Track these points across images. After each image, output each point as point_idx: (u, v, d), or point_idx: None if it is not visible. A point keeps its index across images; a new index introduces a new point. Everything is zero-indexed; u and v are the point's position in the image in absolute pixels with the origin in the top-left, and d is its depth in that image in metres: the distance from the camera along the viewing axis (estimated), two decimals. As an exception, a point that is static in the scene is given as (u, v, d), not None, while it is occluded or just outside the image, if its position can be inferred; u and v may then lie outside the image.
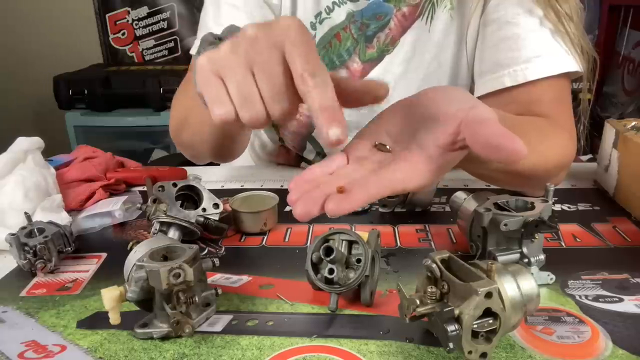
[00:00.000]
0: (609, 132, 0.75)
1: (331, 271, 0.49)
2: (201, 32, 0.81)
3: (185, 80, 0.81)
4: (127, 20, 2.62)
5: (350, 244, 0.51)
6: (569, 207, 0.73)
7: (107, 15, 2.61)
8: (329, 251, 0.48)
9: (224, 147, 0.75)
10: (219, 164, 0.95)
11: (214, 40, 0.45)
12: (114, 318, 0.46)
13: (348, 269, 0.50)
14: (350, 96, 0.43)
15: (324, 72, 0.38)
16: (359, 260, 0.50)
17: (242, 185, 0.84)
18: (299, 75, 0.37)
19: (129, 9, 2.60)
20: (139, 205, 0.69)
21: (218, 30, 0.78)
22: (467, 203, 0.59)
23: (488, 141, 0.37)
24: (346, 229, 0.52)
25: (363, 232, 0.52)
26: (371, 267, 0.50)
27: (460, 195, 0.61)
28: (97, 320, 0.51)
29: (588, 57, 0.70)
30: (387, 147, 0.44)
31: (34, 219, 0.63)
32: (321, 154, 0.91)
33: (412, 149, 0.42)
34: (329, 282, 0.49)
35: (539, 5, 0.69)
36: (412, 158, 0.41)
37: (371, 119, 0.48)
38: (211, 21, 0.79)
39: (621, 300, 0.51)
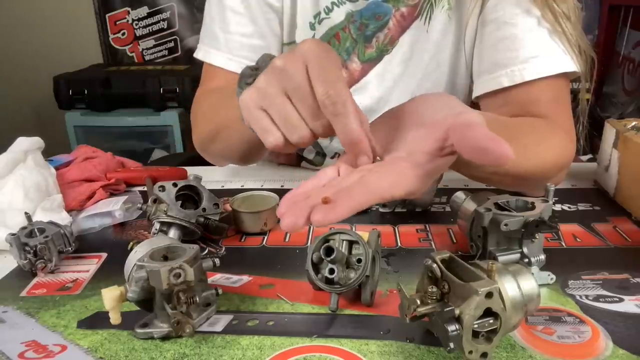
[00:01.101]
0: (609, 132, 0.75)
1: (332, 271, 0.49)
2: (206, 37, 0.82)
3: (205, 91, 0.82)
4: (127, 20, 2.62)
5: (351, 244, 0.51)
6: (569, 207, 0.73)
7: (107, 15, 2.61)
8: (329, 251, 0.48)
9: (253, 155, 0.77)
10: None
11: (252, 72, 0.48)
12: (115, 318, 0.46)
13: (348, 269, 0.50)
14: None
15: (343, 95, 0.40)
16: (359, 261, 0.50)
17: (242, 185, 0.84)
18: (320, 102, 0.40)
19: (129, 9, 2.60)
20: (139, 205, 0.68)
21: (223, 37, 0.79)
22: (468, 203, 0.59)
23: (475, 145, 0.37)
24: (347, 229, 0.52)
25: (363, 232, 0.52)
26: (372, 267, 0.50)
27: (460, 195, 0.61)
28: (97, 320, 0.51)
29: (586, 57, 0.70)
30: (377, 157, 0.44)
31: (34, 219, 0.63)
32: (321, 154, 0.91)
33: (400, 156, 0.42)
34: (329, 282, 0.49)
35: (536, 5, 0.69)
36: (399, 164, 0.41)
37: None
38: (217, 28, 0.80)
39: (621, 300, 0.51)
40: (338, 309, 0.50)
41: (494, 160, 0.36)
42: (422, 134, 0.42)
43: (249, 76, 0.48)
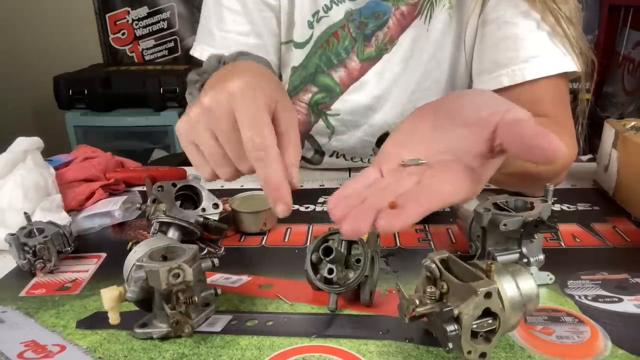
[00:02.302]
0: (609, 132, 0.75)
1: (330, 271, 0.49)
2: (203, 36, 0.82)
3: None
4: (127, 20, 2.61)
5: (350, 244, 0.51)
6: (568, 207, 0.73)
7: (107, 15, 2.61)
8: (328, 251, 0.48)
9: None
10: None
11: (199, 77, 0.51)
12: (114, 318, 0.46)
13: (347, 269, 0.50)
14: None
15: (266, 141, 0.41)
16: (358, 261, 0.50)
17: (242, 186, 0.84)
18: (245, 146, 0.42)
19: (129, 9, 2.59)
20: (138, 205, 0.69)
21: (220, 36, 0.79)
22: (467, 203, 0.59)
23: (524, 142, 0.36)
24: None
25: None
26: (370, 267, 0.50)
27: (459, 195, 0.61)
28: (96, 320, 0.51)
29: (586, 58, 0.70)
30: (420, 160, 0.42)
31: (33, 219, 0.63)
32: (319, 152, 0.91)
33: (448, 159, 0.41)
34: (328, 282, 0.49)
35: (537, 6, 0.69)
36: (452, 168, 0.39)
37: (395, 129, 0.46)
38: (215, 27, 0.80)
39: (620, 300, 0.51)
40: (337, 309, 0.50)
41: (544, 157, 0.35)
42: (467, 134, 0.40)
43: (195, 81, 0.51)
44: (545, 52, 0.69)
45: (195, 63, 0.84)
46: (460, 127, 0.41)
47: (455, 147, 0.41)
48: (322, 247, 0.49)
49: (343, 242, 0.50)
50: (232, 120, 0.42)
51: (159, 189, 0.63)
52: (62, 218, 0.67)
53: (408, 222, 0.35)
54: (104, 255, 0.64)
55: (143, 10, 2.60)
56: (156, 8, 2.59)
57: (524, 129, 0.36)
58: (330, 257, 0.48)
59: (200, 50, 0.81)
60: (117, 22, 2.62)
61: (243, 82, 0.43)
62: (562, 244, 0.63)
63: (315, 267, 0.50)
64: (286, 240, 0.66)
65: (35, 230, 0.60)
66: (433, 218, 0.70)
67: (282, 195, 0.42)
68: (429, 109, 0.45)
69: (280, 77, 0.86)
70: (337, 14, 0.79)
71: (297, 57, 0.82)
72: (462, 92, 0.45)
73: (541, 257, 0.53)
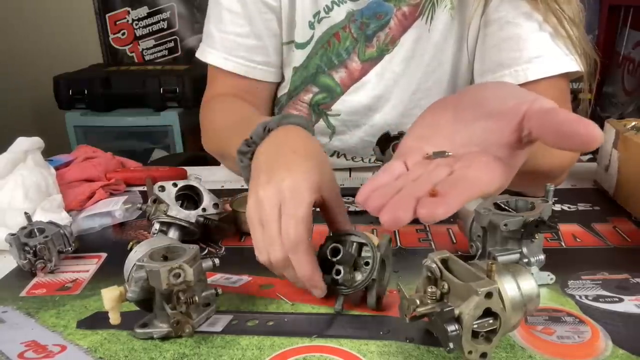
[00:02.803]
0: (609, 132, 0.75)
1: (338, 272, 0.48)
2: (205, 36, 0.83)
3: (210, 98, 0.84)
4: (127, 20, 2.61)
5: (361, 246, 0.50)
6: (569, 207, 0.73)
7: (107, 15, 2.61)
8: (336, 251, 0.48)
9: None
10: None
11: (249, 148, 0.56)
12: (114, 318, 0.46)
13: (356, 271, 0.50)
14: None
15: (298, 237, 0.47)
16: (367, 264, 0.49)
17: (242, 185, 0.84)
18: (282, 237, 0.48)
19: (129, 9, 2.59)
20: (139, 205, 0.68)
21: (220, 37, 0.80)
22: (467, 203, 0.58)
23: (559, 129, 0.35)
24: (358, 231, 0.51)
25: (372, 234, 0.52)
26: (381, 271, 0.49)
27: (460, 195, 0.61)
28: (97, 320, 0.51)
29: (589, 59, 0.70)
30: (447, 152, 0.41)
31: (34, 219, 0.63)
32: None
33: (476, 150, 0.40)
34: (335, 283, 0.49)
35: (540, 6, 0.69)
36: (483, 159, 0.39)
37: (414, 122, 0.46)
38: (214, 28, 0.81)
39: (621, 300, 0.51)
40: (343, 310, 0.50)
41: (581, 143, 0.34)
42: (493, 125, 0.40)
43: (245, 152, 0.56)
44: (548, 53, 0.69)
45: (196, 63, 0.84)
46: (483, 119, 0.41)
47: (480, 139, 0.40)
48: (330, 247, 0.48)
49: (354, 244, 0.50)
50: (277, 214, 0.48)
51: (160, 189, 0.63)
52: (62, 218, 0.67)
53: (450, 211, 0.34)
54: (104, 255, 0.64)
55: (143, 10, 2.60)
56: (156, 8, 2.59)
57: (558, 116, 0.36)
58: (338, 257, 0.47)
59: (201, 51, 0.82)
60: (117, 22, 2.62)
61: (291, 181, 0.48)
62: (563, 244, 0.63)
63: (324, 266, 0.50)
64: (287, 240, 0.66)
65: (35, 230, 0.60)
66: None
67: (315, 284, 0.49)
68: (448, 102, 0.45)
69: (282, 78, 0.86)
70: (339, 14, 0.79)
71: (298, 57, 0.83)
72: (482, 84, 0.45)
73: (542, 257, 0.53)
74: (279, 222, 0.48)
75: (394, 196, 0.36)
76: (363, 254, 0.50)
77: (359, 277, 0.49)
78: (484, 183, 0.37)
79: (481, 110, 0.41)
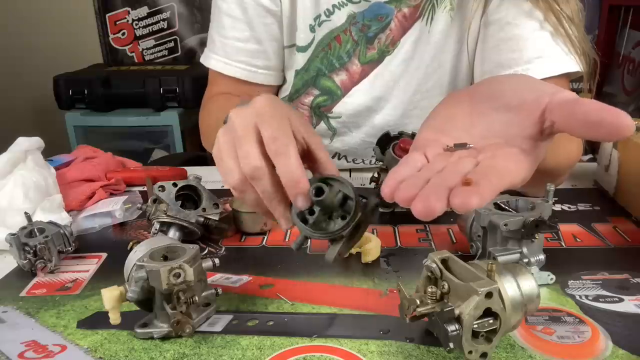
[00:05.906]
0: (609, 132, 0.75)
1: (312, 212, 0.44)
2: (209, 43, 0.84)
3: (210, 97, 0.85)
4: (127, 20, 2.61)
5: (345, 199, 0.45)
6: (569, 207, 0.73)
7: (107, 15, 2.61)
8: (319, 191, 0.43)
9: None
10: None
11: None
12: (114, 318, 0.46)
13: (330, 220, 0.45)
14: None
15: (286, 138, 0.43)
16: (344, 217, 0.45)
17: (242, 185, 0.84)
18: (266, 144, 0.43)
19: (129, 9, 2.59)
20: (139, 205, 0.69)
21: (220, 42, 0.82)
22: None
23: (587, 119, 0.35)
24: (344, 178, 0.46)
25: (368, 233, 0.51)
26: (353, 231, 0.45)
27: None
28: (97, 320, 0.51)
29: (589, 59, 0.70)
30: (468, 144, 0.41)
31: (34, 219, 0.63)
32: None
33: (498, 142, 0.40)
34: (305, 221, 0.45)
35: (539, 7, 0.69)
36: (507, 151, 0.39)
37: (428, 115, 0.45)
38: (215, 33, 0.82)
39: (621, 300, 0.51)
40: (301, 249, 0.47)
41: (610, 132, 0.34)
42: (512, 117, 0.40)
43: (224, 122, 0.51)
44: (548, 53, 0.69)
45: (196, 63, 0.85)
46: (502, 112, 0.41)
47: (500, 131, 0.40)
48: (315, 186, 0.43)
49: (340, 193, 0.45)
50: (254, 131, 0.44)
51: (160, 189, 0.63)
52: (62, 218, 0.67)
53: (484, 200, 0.33)
54: (104, 255, 0.64)
55: (143, 10, 2.60)
56: (156, 8, 2.58)
57: (584, 106, 0.36)
58: (320, 198, 0.43)
59: (204, 56, 0.83)
60: (117, 22, 2.62)
61: (264, 100, 0.45)
62: (563, 244, 0.63)
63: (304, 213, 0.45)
64: (287, 240, 0.66)
65: (35, 230, 0.60)
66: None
67: (302, 188, 0.43)
68: (463, 94, 0.45)
69: (284, 81, 0.87)
70: (339, 17, 0.79)
71: (299, 60, 0.83)
72: (499, 77, 0.45)
73: (542, 257, 0.53)
74: (255, 134, 0.44)
75: (423, 187, 0.36)
76: (345, 207, 0.45)
77: (330, 226, 0.45)
78: (513, 172, 0.37)
79: (498, 102, 0.41)
